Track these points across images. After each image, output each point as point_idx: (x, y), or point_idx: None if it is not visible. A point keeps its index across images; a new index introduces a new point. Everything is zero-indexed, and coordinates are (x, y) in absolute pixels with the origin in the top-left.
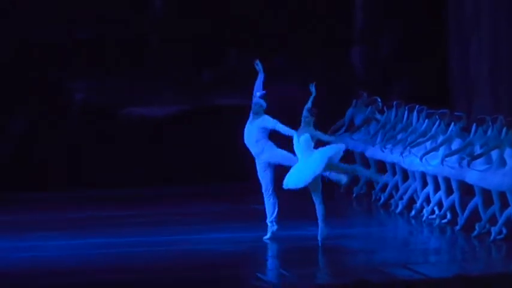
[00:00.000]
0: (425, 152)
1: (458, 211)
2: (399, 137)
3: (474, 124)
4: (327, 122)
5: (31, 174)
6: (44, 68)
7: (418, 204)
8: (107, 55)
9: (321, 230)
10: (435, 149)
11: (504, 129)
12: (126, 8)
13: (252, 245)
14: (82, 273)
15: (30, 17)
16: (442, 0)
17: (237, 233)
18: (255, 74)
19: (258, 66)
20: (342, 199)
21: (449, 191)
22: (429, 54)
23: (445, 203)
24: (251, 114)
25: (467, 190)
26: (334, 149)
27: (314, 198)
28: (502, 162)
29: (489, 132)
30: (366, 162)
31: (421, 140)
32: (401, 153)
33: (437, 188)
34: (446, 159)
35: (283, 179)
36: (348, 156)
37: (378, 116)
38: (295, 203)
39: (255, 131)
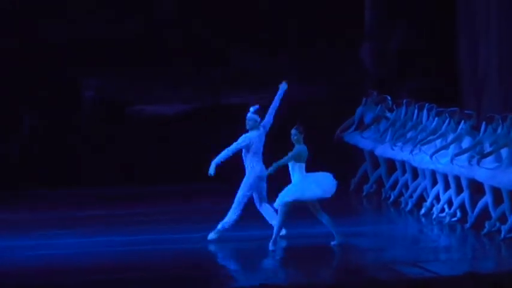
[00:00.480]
0: (435, 150)
1: (468, 209)
2: (409, 135)
3: (484, 122)
4: (338, 121)
5: (35, 172)
6: (54, 66)
7: (428, 203)
8: (117, 54)
9: (336, 237)
10: (445, 147)
11: None
12: (137, 6)
13: (260, 243)
14: (86, 272)
15: (40, 15)
16: None
17: (248, 231)
18: (262, 72)
19: (282, 87)
20: (351, 197)
21: (459, 189)
22: (439, 52)
23: (455, 201)
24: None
25: (477, 188)
26: (313, 194)
27: (312, 210)
28: None
29: (499, 130)
30: (375, 160)
31: (431, 138)
32: (411, 152)
33: (447, 186)
34: (456, 157)
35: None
36: (358, 154)
37: (388, 114)
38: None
39: None
